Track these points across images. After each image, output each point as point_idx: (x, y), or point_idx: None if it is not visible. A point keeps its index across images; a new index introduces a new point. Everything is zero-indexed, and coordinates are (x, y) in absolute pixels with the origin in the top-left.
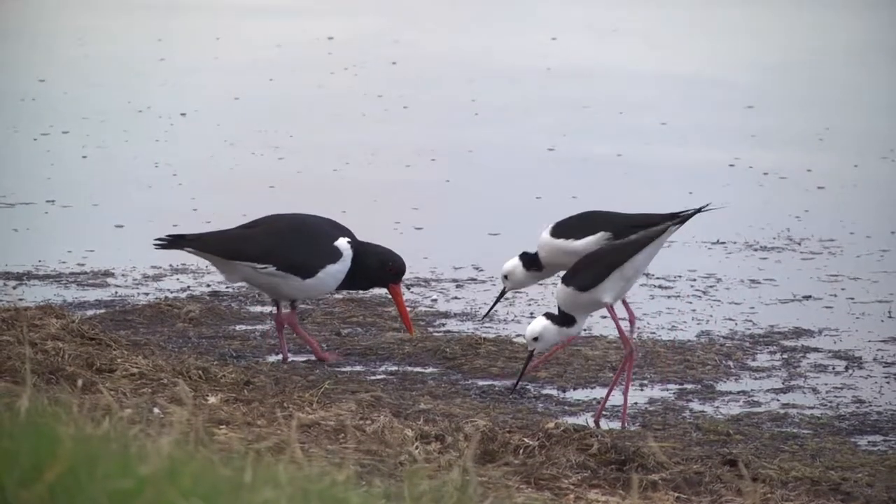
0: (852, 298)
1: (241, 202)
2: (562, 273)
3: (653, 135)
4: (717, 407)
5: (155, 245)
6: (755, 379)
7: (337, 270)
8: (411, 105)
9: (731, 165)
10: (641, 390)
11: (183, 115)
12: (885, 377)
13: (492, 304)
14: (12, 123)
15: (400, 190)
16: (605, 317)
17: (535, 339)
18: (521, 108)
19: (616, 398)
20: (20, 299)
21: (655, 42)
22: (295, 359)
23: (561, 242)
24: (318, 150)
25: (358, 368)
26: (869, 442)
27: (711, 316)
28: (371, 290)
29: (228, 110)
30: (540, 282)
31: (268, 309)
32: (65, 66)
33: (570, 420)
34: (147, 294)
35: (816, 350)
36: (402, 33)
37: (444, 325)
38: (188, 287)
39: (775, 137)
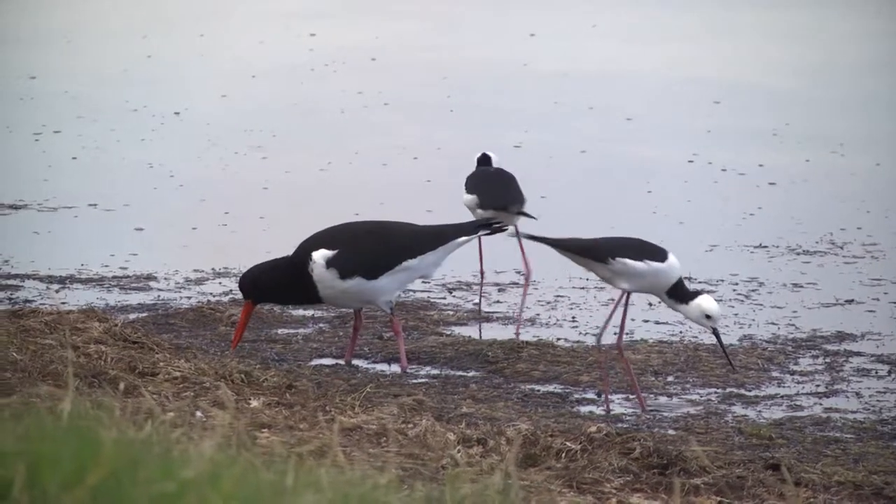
0: (895, 302)
1: (249, 203)
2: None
3: (618, 131)
4: (760, 411)
5: None
6: (798, 383)
7: (317, 278)
8: (391, 102)
9: (690, 161)
10: (684, 394)
11: (176, 114)
12: None
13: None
14: (6, 123)
15: (395, 191)
16: (646, 321)
17: None
18: (493, 105)
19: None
20: (63, 303)
21: (633, 39)
22: (338, 362)
23: None
24: (301, 148)
25: (399, 372)
26: None
27: (754, 320)
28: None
29: (216, 109)
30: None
31: (310, 313)
32: (55, 63)
33: (613, 424)
34: (189, 298)
35: (859, 354)
36: (380, 29)
37: (486, 328)
38: (230, 290)
39: (735, 134)
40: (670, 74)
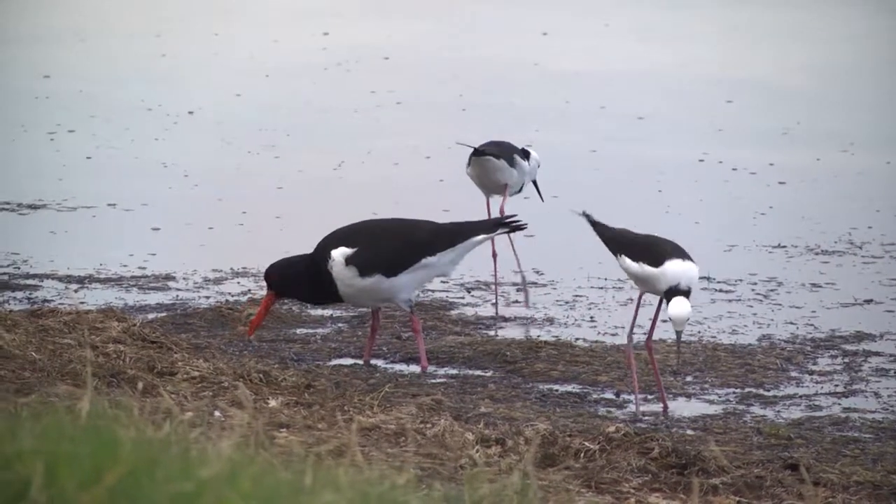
0: None
1: (265, 203)
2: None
3: (629, 130)
4: (779, 411)
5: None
6: (816, 383)
7: (337, 276)
8: (404, 101)
9: (701, 161)
10: (702, 394)
11: (190, 113)
12: None
13: None
14: (21, 122)
15: (409, 190)
16: (664, 321)
17: None
18: (505, 104)
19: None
20: (81, 302)
21: (646, 39)
22: (357, 362)
23: None
24: (314, 148)
25: (418, 371)
26: None
27: (772, 320)
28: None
29: (229, 108)
30: None
31: (328, 313)
32: (69, 62)
33: (631, 424)
34: (208, 297)
35: (878, 354)
36: (393, 29)
37: (504, 328)
38: (249, 290)
39: (746, 133)
40: (683, 73)
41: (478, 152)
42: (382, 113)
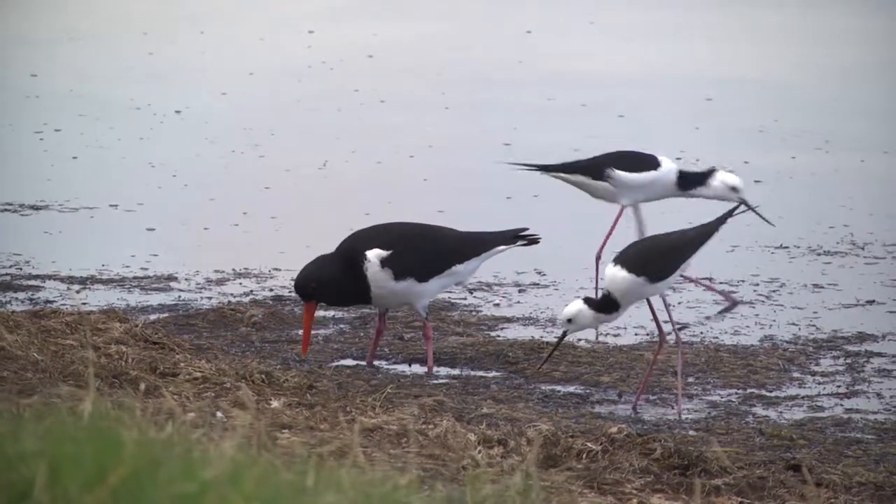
0: None
1: (256, 203)
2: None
3: (610, 129)
4: (781, 412)
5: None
6: (819, 384)
7: (371, 277)
8: (387, 99)
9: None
10: (705, 395)
11: (178, 112)
12: None
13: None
14: (9, 121)
15: (394, 190)
16: (666, 321)
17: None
18: (488, 103)
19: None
20: (84, 303)
21: (630, 37)
22: (359, 363)
23: None
24: (298, 147)
25: (420, 372)
26: None
27: (775, 321)
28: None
29: (216, 107)
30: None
31: (330, 314)
32: (57, 61)
33: (633, 425)
34: (210, 298)
35: (880, 355)
36: (378, 27)
37: (506, 329)
38: (251, 291)
39: (724, 131)
40: (665, 71)
41: (544, 169)
42: (366, 112)
